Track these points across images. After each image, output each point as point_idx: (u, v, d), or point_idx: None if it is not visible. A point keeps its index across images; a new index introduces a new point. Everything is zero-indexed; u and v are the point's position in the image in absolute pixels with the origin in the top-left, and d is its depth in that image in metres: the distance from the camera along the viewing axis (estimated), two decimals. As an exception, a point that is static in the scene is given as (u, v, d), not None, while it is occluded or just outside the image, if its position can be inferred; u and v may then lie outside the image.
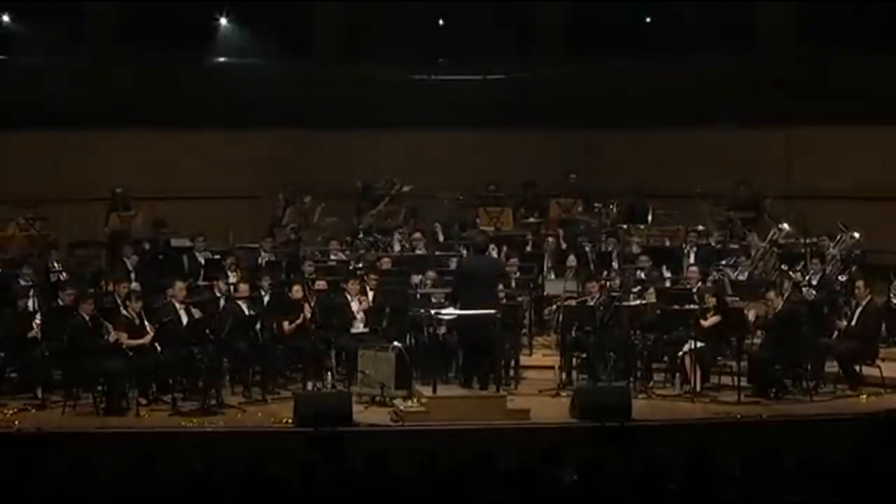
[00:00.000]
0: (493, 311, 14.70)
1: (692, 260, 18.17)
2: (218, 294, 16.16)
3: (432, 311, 15.29)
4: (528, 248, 18.89)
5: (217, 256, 18.06)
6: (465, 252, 17.42)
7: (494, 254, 17.04)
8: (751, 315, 15.66)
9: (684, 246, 18.62)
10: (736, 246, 18.86)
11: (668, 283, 17.39)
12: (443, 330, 15.38)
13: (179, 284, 15.61)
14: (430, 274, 16.99)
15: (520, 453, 10.58)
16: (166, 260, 18.45)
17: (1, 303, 15.97)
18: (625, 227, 19.34)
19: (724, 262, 17.94)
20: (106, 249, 19.15)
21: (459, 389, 14.73)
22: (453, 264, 17.25)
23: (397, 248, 18.94)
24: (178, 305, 15.41)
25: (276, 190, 20.55)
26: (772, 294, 15.51)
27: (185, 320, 15.29)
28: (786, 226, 18.69)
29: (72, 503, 9.58)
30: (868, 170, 21.00)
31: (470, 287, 14.80)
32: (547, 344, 17.20)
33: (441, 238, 19.31)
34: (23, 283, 16.57)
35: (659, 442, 13.21)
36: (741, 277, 17.62)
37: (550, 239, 19.13)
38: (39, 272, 17.10)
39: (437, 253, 18.39)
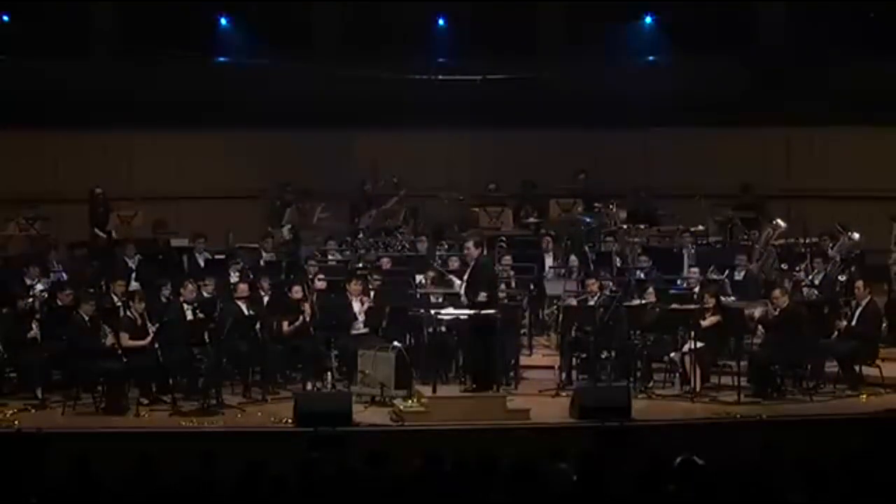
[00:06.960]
0: (494, 312, 14.69)
1: (688, 260, 18.15)
2: (206, 295, 16.13)
3: (432, 311, 15.30)
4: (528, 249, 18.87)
5: (220, 257, 18.04)
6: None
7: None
8: (756, 312, 15.65)
9: (681, 246, 18.58)
10: (736, 246, 18.84)
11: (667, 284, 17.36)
12: (443, 328, 15.37)
13: (190, 286, 15.62)
14: (431, 274, 16.98)
15: (520, 453, 10.57)
16: (166, 260, 18.44)
17: (1, 303, 15.97)
18: (625, 227, 19.32)
19: (716, 265, 17.87)
20: (104, 249, 19.09)
21: (459, 389, 14.75)
22: (452, 264, 17.18)
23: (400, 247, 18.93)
24: (185, 306, 15.43)
25: (276, 190, 20.55)
26: (777, 292, 15.50)
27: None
28: (780, 222, 18.66)
29: (72, 503, 9.58)
30: (867, 170, 20.98)
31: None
32: (547, 344, 17.18)
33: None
34: (28, 282, 16.57)
35: (659, 442, 13.20)
36: (739, 277, 17.60)
37: (550, 239, 19.11)
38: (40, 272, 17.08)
39: (437, 253, 18.38)
